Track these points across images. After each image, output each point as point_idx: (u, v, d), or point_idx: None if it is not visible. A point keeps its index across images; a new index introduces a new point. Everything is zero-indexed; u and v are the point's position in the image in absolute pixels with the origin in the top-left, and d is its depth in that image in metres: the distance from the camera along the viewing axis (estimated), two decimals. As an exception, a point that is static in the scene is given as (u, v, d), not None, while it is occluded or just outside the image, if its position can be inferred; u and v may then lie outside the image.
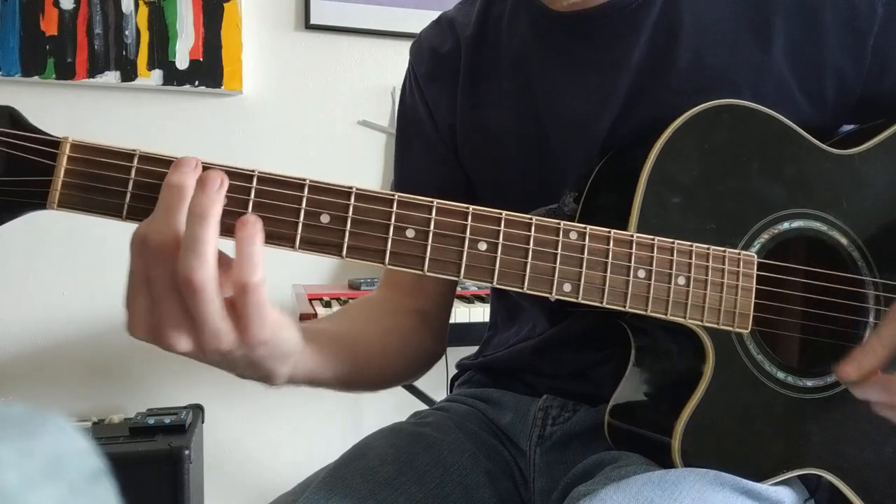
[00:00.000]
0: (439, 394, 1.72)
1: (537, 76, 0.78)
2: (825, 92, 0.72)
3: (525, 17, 0.79)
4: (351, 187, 0.56)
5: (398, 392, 1.78)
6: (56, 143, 0.52)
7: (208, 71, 1.89)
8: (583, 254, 0.61)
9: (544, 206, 0.78)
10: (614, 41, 0.74)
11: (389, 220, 0.57)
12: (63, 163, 0.52)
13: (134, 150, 0.53)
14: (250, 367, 0.57)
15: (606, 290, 0.61)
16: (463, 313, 1.57)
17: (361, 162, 2.06)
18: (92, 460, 0.37)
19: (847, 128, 0.76)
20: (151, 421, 1.69)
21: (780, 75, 0.71)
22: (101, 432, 1.68)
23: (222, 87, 1.90)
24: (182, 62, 1.88)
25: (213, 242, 0.50)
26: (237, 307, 0.51)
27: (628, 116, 0.73)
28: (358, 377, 0.75)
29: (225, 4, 1.89)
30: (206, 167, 0.53)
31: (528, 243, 0.60)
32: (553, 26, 0.76)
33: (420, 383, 1.77)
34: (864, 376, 0.60)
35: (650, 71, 0.73)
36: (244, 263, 0.50)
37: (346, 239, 0.56)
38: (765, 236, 0.66)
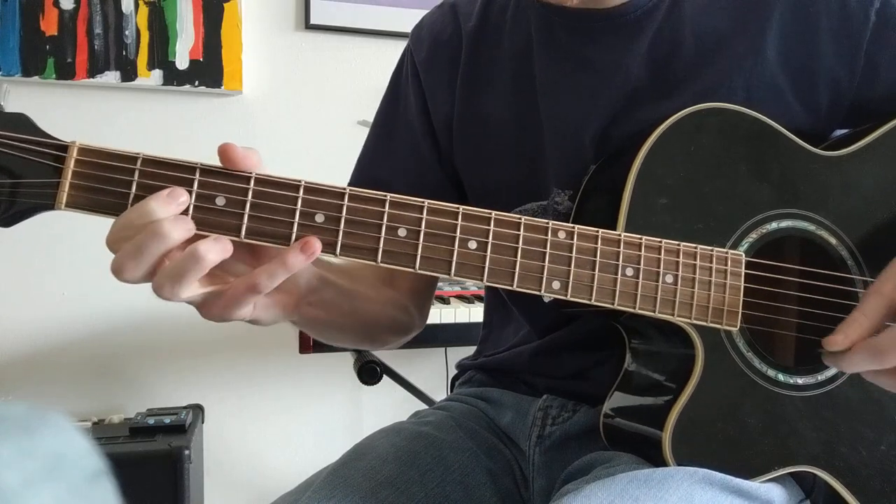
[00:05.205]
0: (439, 394, 1.72)
1: (537, 71, 0.78)
2: (819, 98, 0.73)
3: (529, 10, 0.79)
4: (345, 188, 0.58)
5: (398, 392, 1.78)
6: (64, 147, 0.55)
7: (208, 71, 1.89)
8: (571, 252, 0.62)
9: (535, 203, 0.78)
10: (614, 45, 0.74)
11: (382, 219, 0.59)
12: (71, 165, 0.54)
13: (137, 154, 0.56)
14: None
15: (595, 288, 0.63)
16: (463, 313, 1.56)
17: (361, 162, 2.05)
18: (92, 460, 0.37)
19: (839, 132, 0.77)
20: (151, 421, 1.69)
21: (774, 81, 0.72)
22: (101, 432, 1.68)
23: (222, 87, 1.90)
24: (182, 62, 1.88)
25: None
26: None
27: (623, 120, 0.74)
28: (349, 332, 0.80)
29: (225, 4, 1.89)
30: (205, 169, 0.56)
31: (517, 242, 0.61)
32: (557, 24, 0.77)
33: (420, 383, 1.77)
34: (850, 344, 0.61)
35: (648, 78, 0.74)
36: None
37: (340, 238, 0.58)
38: (753, 236, 0.67)
